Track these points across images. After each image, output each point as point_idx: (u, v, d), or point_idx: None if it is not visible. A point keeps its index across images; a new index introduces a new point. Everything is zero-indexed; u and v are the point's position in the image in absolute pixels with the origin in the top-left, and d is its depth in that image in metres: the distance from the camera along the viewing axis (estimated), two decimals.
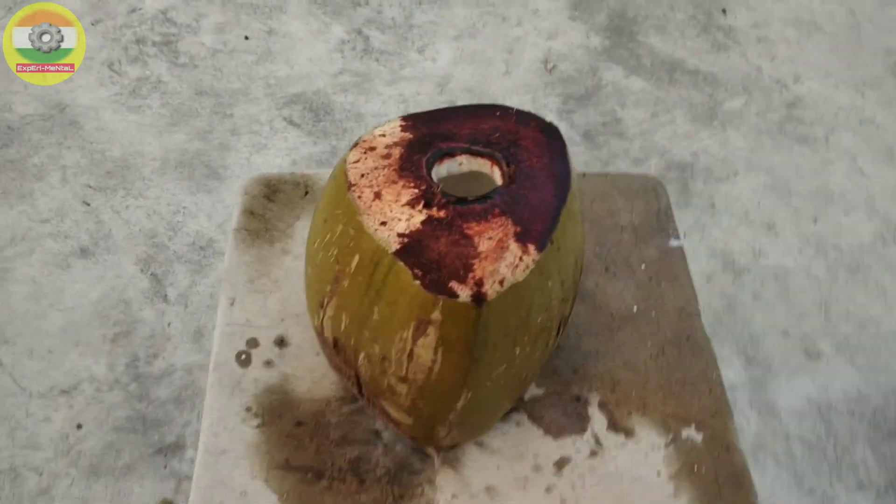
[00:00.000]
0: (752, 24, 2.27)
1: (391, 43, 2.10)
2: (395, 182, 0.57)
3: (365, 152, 0.59)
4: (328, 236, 0.57)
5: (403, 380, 0.57)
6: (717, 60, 2.15)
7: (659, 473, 0.67)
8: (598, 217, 0.82)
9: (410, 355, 0.55)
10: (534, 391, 0.71)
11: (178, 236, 1.67)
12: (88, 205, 1.71)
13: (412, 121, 0.62)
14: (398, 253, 0.54)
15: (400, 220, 0.55)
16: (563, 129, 1.95)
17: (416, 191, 0.56)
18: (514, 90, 2.01)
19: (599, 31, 2.20)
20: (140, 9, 2.12)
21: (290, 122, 1.91)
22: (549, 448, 0.68)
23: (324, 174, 0.82)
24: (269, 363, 0.69)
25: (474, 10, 2.21)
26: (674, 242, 0.81)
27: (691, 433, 0.69)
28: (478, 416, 0.62)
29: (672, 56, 2.14)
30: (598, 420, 0.70)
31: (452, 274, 0.53)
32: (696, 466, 0.67)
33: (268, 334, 0.71)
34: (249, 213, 0.78)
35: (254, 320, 0.71)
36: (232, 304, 0.71)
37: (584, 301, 0.77)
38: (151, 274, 1.61)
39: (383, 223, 0.55)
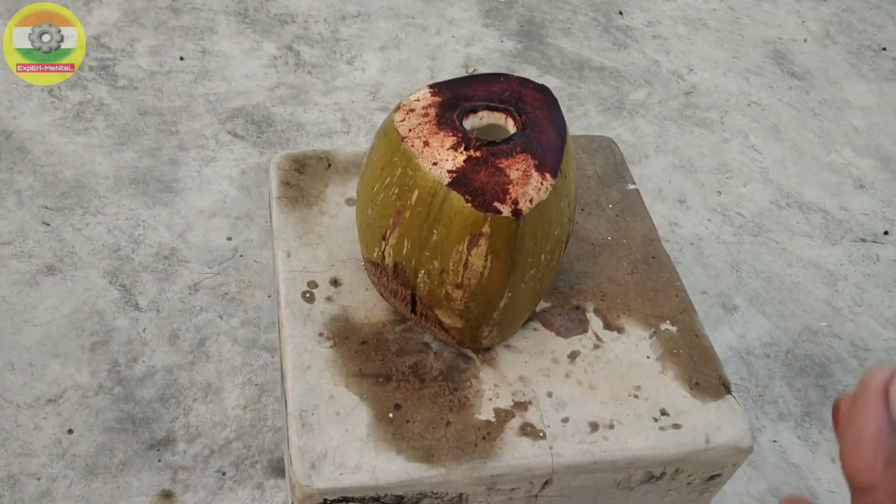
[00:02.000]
0: (647, 23, 2.48)
1: (321, 56, 2.21)
2: (437, 133, 0.72)
3: (407, 113, 0.74)
4: (388, 179, 0.72)
5: (459, 286, 0.71)
6: (620, 57, 2.34)
7: (648, 357, 0.83)
8: None
9: (466, 264, 0.70)
10: (543, 304, 0.86)
11: (140, 248, 1.72)
12: (48, 225, 1.74)
13: (438, 87, 0.77)
14: (451, 184, 0.68)
15: (447, 160, 0.70)
16: None
17: (455, 138, 0.71)
18: None
19: (511, 35, 2.36)
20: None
21: (235, 135, 1.97)
22: (561, 345, 0.83)
23: (340, 151, 0.95)
24: (329, 299, 0.82)
25: (395, 22, 2.34)
26: (631, 186, 0.98)
27: (668, 326, 0.86)
28: (513, 316, 0.77)
29: (579, 55, 2.33)
30: (595, 322, 0.86)
31: (495, 197, 0.68)
32: (675, 350, 0.84)
33: (323, 277, 0.84)
34: (286, 183, 0.91)
35: (309, 267, 0.84)
36: (288, 255, 0.84)
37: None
38: (120, 285, 1.65)
39: (435, 164, 0.70)
